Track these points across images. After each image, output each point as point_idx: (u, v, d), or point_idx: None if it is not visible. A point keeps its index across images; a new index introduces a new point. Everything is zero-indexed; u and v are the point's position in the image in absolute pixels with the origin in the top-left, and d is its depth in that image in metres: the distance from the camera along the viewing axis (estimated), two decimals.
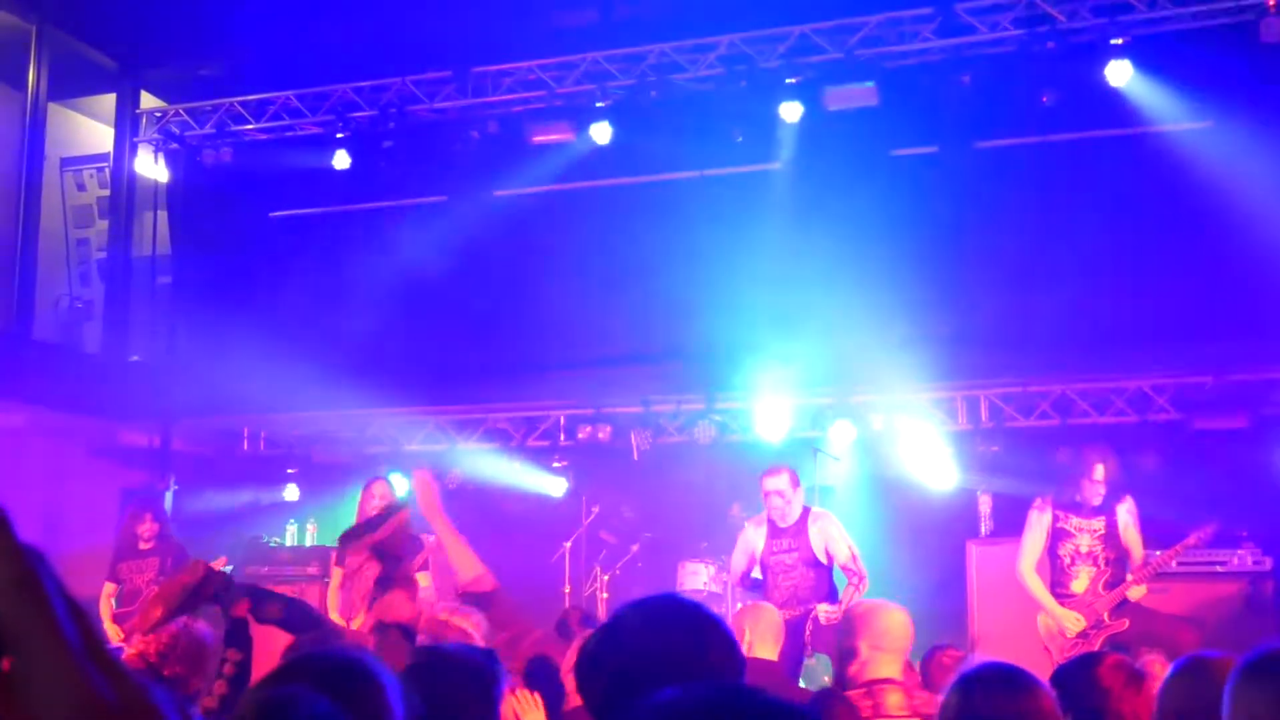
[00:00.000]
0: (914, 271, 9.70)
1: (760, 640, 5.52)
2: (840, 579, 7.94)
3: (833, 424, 10.80)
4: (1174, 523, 8.20)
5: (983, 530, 9.90)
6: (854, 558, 7.78)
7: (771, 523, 8.02)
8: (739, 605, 8.70)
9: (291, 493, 12.55)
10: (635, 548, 11.04)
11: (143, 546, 9.37)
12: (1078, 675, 3.02)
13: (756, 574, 8.13)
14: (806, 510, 8.06)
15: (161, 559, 9.29)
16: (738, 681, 2.05)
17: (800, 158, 10.25)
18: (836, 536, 7.89)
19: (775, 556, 7.94)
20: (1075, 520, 7.54)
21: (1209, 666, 2.98)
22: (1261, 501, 9.20)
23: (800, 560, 7.85)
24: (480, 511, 10.22)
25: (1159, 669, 4.54)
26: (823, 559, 7.87)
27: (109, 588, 9.28)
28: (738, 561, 8.23)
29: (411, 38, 10.72)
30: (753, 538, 8.11)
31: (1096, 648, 7.06)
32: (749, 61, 10.25)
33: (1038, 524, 7.66)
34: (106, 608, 9.11)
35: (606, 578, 10.81)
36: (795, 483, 7.99)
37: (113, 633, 8.66)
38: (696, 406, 11.27)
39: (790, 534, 7.94)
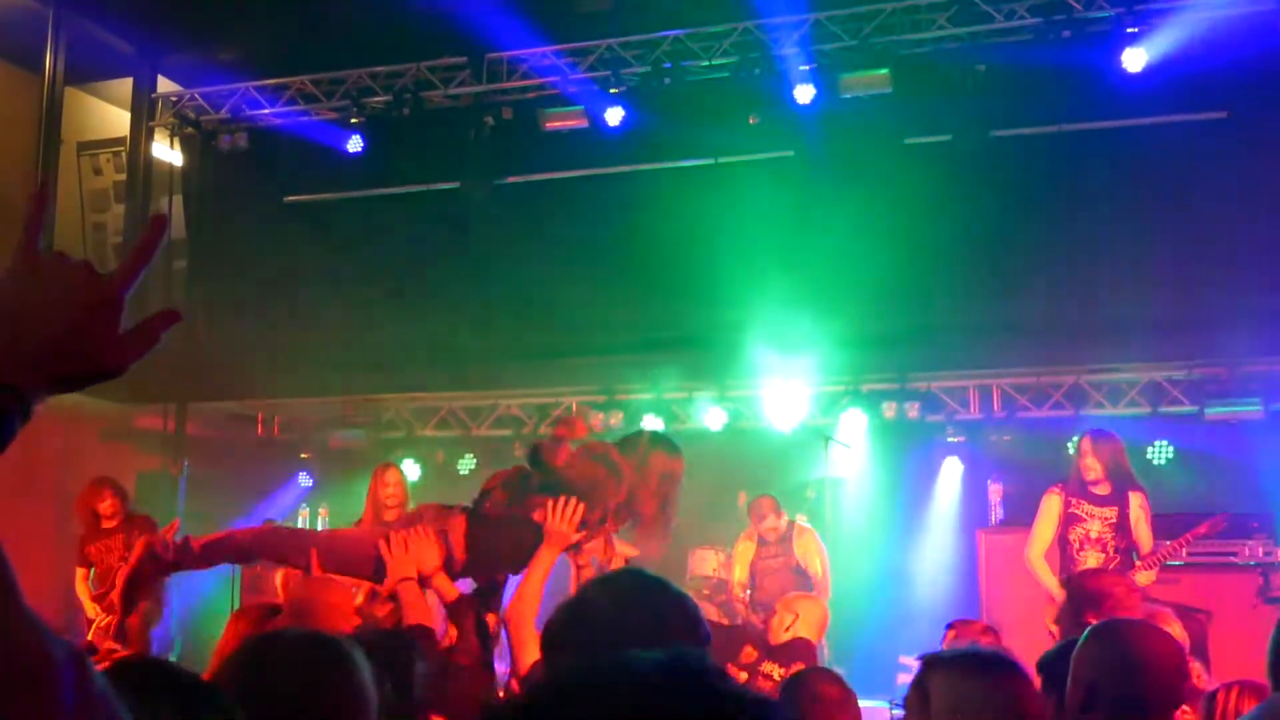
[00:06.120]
0: (927, 260, 9.67)
1: (806, 625, 5.89)
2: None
3: (844, 412, 10.81)
4: (1186, 514, 8.17)
5: (993, 519, 9.87)
6: (824, 574, 9.00)
7: (761, 537, 9.30)
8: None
9: (305, 478, 12.61)
10: None
11: (106, 525, 9.08)
12: (1060, 660, 2.97)
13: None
14: (792, 524, 9.29)
15: (127, 534, 8.90)
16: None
17: (814, 145, 10.20)
18: (814, 552, 9.06)
19: (764, 561, 9.23)
20: (1087, 506, 7.49)
21: (1120, 630, 2.96)
22: (1274, 493, 9.16)
23: (785, 565, 9.09)
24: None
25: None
26: (803, 566, 9.01)
27: (80, 572, 9.12)
28: (739, 571, 9.39)
29: (427, 24, 10.70)
30: (744, 550, 9.39)
31: None
32: (763, 48, 10.22)
33: (1049, 511, 7.59)
34: (84, 590, 8.99)
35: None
36: (778, 509, 9.33)
37: (91, 611, 8.65)
38: (708, 394, 11.28)
39: (777, 544, 9.22)
